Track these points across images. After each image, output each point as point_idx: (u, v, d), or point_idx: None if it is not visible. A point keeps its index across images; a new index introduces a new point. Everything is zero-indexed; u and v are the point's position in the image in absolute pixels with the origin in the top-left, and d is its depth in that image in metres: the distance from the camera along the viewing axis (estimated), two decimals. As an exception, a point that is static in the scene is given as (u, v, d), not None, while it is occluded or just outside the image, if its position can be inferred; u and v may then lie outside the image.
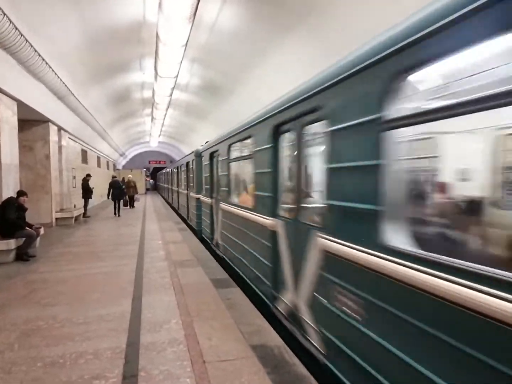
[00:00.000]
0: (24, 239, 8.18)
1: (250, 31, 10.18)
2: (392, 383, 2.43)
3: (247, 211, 5.92)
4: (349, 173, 2.95)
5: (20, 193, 8.67)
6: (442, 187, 3.34)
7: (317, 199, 4.26)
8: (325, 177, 3.32)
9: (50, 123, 13.27)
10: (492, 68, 2.36)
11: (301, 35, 9.18)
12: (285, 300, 4.49)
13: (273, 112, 4.67)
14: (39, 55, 9.13)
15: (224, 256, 7.90)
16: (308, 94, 3.63)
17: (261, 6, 8.93)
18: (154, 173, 51.00)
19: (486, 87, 2.00)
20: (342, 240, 2.99)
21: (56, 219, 13.83)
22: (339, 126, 3.04)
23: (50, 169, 13.31)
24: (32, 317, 4.73)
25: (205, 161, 10.46)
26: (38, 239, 8.95)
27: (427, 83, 2.89)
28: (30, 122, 12.61)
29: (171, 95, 17.56)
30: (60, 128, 14.62)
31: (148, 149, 45.98)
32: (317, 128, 3.70)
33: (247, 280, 5.99)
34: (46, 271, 7.18)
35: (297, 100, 3.88)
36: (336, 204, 3.12)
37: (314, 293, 3.65)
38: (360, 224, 2.77)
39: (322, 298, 3.40)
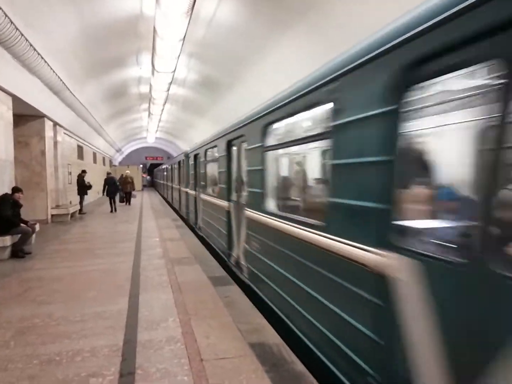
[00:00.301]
0: (19, 235, 8.12)
1: (248, 27, 10.12)
2: (272, 282, 4.75)
3: (214, 198, 8.63)
4: (252, 173, 5.54)
5: (15, 190, 8.61)
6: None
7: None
8: (247, 174, 5.98)
9: (45, 119, 13.17)
10: None
11: (299, 32, 9.12)
12: (233, 254, 7.01)
13: (226, 132, 7.19)
14: (35, 49, 9.02)
15: (202, 234, 10.80)
16: (238, 127, 6.34)
17: (259, 2, 8.87)
18: (151, 170, 50.79)
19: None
20: (252, 210, 5.49)
21: (52, 215, 13.76)
22: (251, 146, 5.50)
23: (45, 165, 13.22)
24: (28, 315, 4.69)
25: (191, 161, 12.79)
26: (34, 236, 8.89)
27: None
28: (25, 118, 12.51)
29: (168, 90, 17.46)
30: (55, 124, 14.52)
31: (145, 145, 45.77)
32: (245, 145, 5.99)
33: (213, 246, 8.91)
34: (42, 268, 7.13)
35: (236, 128, 6.48)
36: (251, 190, 5.66)
37: (245, 244, 6.05)
38: (259, 201, 5.15)
39: (247, 246, 5.89)
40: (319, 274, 3.39)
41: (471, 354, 1.96)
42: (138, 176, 36.51)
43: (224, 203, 7.45)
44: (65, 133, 16.45)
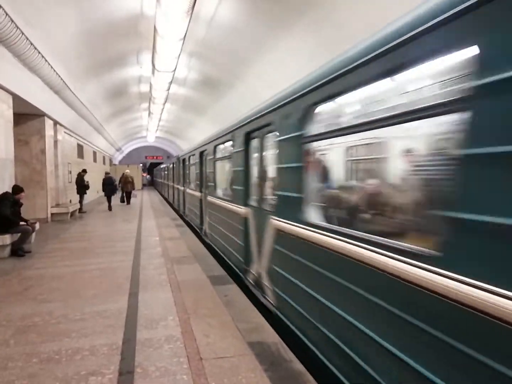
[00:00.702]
0: (19, 234, 8.13)
1: (248, 26, 10.12)
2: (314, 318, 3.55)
3: (226, 202, 7.97)
4: (284, 171, 4.37)
5: (17, 189, 8.57)
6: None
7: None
8: (275, 174, 4.87)
9: (45, 117, 13.17)
10: None
11: (299, 31, 9.13)
12: (251, 271, 6.07)
13: (244, 122, 6.06)
14: (35, 48, 9.03)
15: (209, 242, 9.77)
16: (262, 113, 5.14)
17: (259, 1, 8.87)
18: (151, 169, 50.79)
19: None
20: (284, 219, 4.46)
21: (52, 214, 13.77)
22: (283, 137, 4.38)
23: (45, 164, 13.23)
24: (28, 314, 4.70)
25: (196, 159, 12.18)
26: (34, 234, 8.90)
27: None
28: (25, 116, 12.51)
29: (168, 89, 17.45)
30: (56, 123, 14.52)
31: (145, 144, 45.78)
32: (273, 136, 4.93)
33: (224, 257, 7.94)
34: (42, 267, 7.14)
35: (258, 115, 5.29)
36: (282, 194, 4.62)
37: (270, 262, 5.15)
38: (295, 209, 3.96)
39: (273, 264, 4.86)
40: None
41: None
42: (138, 175, 36.51)
43: (240, 209, 6.18)
44: (65, 132, 16.45)
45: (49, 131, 13.67)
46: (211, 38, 11.50)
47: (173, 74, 14.85)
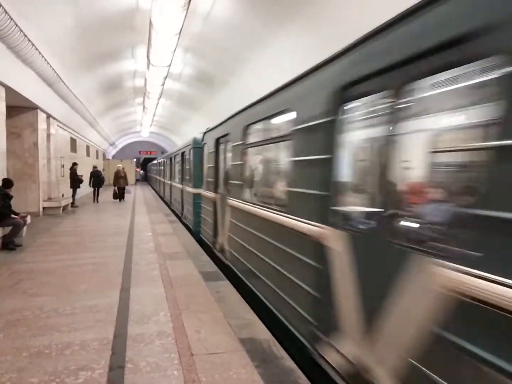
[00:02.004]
0: (10, 228, 8.05)
1: (244, 22, 10.09)
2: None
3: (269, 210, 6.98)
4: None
5: (7, 183, 8.46)
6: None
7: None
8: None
9: (38, 110, 13.04)
10: None
11: (295, 27, 9.12)
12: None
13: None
14: (29, 40, 8.93)
15: (229, 263, 6.89)
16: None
17: (256, -3, 8.85)
18: (144, 164, 50.53)
19: None
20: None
21: (44, 208, 13.66)
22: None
23: (38, 157, 13.12)
24: (18, 307, 4.66)
25: (209, 149, 10.78)
26: (25, 228, 8.82)
27: None
28: (18, 109, 12.39)
29: (163, 84, 17.36)
30: (49, 116, 14.39)
31: (139, 139, 45.52)
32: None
33: (264, 299, 5.13)
34: (33, 261, 7.08)
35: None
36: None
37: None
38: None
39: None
40: (186, 200, 8.82)
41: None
42: (131, 171, 36.30)
43: (310, 228, 3.57)
44: (58, 126, 16.31)
45: (42, 124, 13.54)
46: (207, 34, 11.45)
47: (168, 69, 14.77)
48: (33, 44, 9.23)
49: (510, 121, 1.77)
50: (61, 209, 14.42)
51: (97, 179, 19.54)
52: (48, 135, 14.58)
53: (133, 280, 5.84)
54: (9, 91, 9.63)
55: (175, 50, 12.34)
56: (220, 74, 14.85)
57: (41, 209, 13.40)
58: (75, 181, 16.97)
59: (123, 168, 21.28)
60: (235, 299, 5.10)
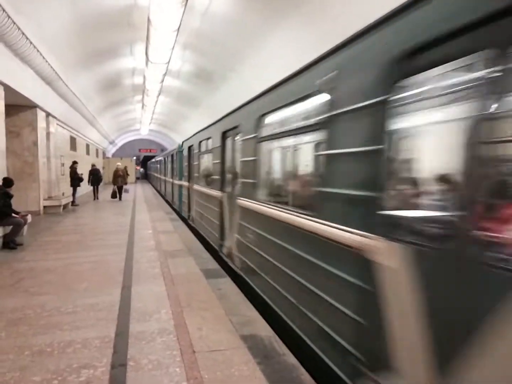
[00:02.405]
0: (11, 227, 8.05)
1: (243, 18, 10.03)
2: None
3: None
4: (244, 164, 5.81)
5: (8, 182, 8.44)
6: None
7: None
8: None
9: (38, 109, 13.00)
10: None
11: (294, 23, 9.06)
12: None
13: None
14: (27, 38, 8.89)
15: (249, 280, 5.73)
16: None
17: (255, -7, 8.79)
18: (144, 162, 50.49)
19: None
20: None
21: (44, 207, 13.65)
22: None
23: (38, 156, 13.09)
24: (20, 306, 4.67)
25: (214, 143, 10.33)
26: (26, 227, 8.82)
27: None
28: (17, 108, 12.34)
29: (162, 81, 17.30)
30: (48, 114, 14.34)
31: (139, 137, 45.44)
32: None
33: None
34: (34, 259, 7.08)
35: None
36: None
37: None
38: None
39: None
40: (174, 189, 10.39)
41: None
42: (131, 169, 36.26)
43: (351, 237, 2.88)
44: (58, 124, 16.27)
45: (41, 123, 13.51)
46: (205, 30, 11.39)
47: (167, 66, 14.70)
48: (31, 42, 9.19)
49: None
50: (62, 207, 14.42)
51: (95, 177, 20.09)
52: (48, 134, 14.54)
53: (134, 278, 5.84)
54: (8, 89, 9.59)
55: (173, 47, 12.29)
56: (219, 70, 14.78)
57: (41, 208, 13.39)
58: (75, 180, 17.03)
59: (125, 168, 21.32)
60: (237, 296, 5.10)
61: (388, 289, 2.50)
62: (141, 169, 52.36)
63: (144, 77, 16.99)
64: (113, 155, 43.70)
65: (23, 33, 8.60)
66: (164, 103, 24.42)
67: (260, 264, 5.03)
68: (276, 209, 4.48)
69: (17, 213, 8.46)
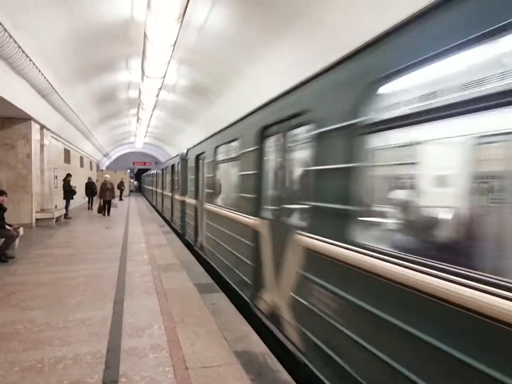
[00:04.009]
0: (3, 240, 7.96)
1: (239, 33, 10.17)
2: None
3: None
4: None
5: (1, 194, 8.40)
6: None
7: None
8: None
9: (32, 121, 13.00)
10: None
11: (290, 38, 9.20)
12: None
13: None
14: (23, 51, 8.93)
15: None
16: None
17: (250, 9, 8.93)
18: (138, 175, 50.40)
19: None
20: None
21: (37, 219, 13.54)
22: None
23: (31, 168, 13.05)
24: (10, 321, 4.60)
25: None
26: (17, 240, 8.72)
27: None
28: (11, 120, 12.36)
29: (157, 95, 17.41)
30: (42, 127, 14.34)
31: (133, 150, 45.44)
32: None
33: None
34: (25, 273, 7.00)
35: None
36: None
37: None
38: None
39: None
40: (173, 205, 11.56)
41: None
42: (125, 181, 36.13)
43: (192, 201, 4.83)
44: (52, 137, 16.25)
45: (35, 135, 13.50)
46: (201, 45, 11.53)
47: (163, 81, 14.83)
48: (27, 55, 9.23)
49: None
50: (54, 220, 14.31)
51: (90, 189, 20.98)
52: (42, 146, 14.51)
53: (127, 293, 5.79)
54: (2, 102, 9.61)
55: (169, 61, 12.41)
56: (214, 85, 14.92)
57: (34, 221, 13.28)
58: (68, 192, 16.93)
59: (121, 180, 21.34)
60: (230, 311, 5.07)
61: (261, 244, 4.76)
62: (135, 182, 52.23)
63: (140, 91, 17.09)
64: (108, 167, 43.60)
65: (19, 47, 8.64)
66: (159, 117, 24.52)
67: (213, 246, 7.61)
68: (221, 209, 6.87)
69: (9, 225, 8.38)
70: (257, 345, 4.02)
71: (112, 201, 18.63)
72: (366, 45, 2.74)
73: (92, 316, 4.79)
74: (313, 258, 3.38)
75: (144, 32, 9.97)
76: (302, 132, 3.93)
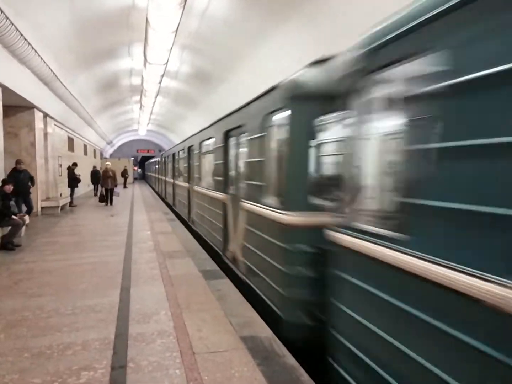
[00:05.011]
0: (9, 228, 8.03)
1: (242, 19, 10.04)
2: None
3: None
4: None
5: (4, 182, 8.47)
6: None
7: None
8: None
9: (35, 110, 12.99)
10: None
11: (293, 24, 9.08)
12: None
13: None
14: (25, 39, 8.86)
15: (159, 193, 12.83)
16: None
17: (253, -6, 8.81)
18: (142, 163, 50.42)
19: None
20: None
21: (42, 208, 13.63)
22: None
23: (35, 157, 13.08)
24: (18, 308, 4.66)
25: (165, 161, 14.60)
26: (23, 228, 8.80)
27: None
28: (15, 108, 12.31)
29: (160, 82, 17.32)
30: (46, 115, 14.33)
31: (136, 137, 45.44)
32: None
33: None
34: (32, 260, 7.07)
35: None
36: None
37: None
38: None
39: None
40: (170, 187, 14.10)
41: None
42: (129, 169, 36.17)
43: (185, 184, 5.35)
44: (55, 125, 16.25)
45: (39, 123, 13.49)
46: (204, 31, 11.40)
47: (165, 67, 14.73)
48: (29, 43, 9.16)
49: None
50: (59, 208, 14.39)
51: (95, 177, 21.82)
52: (45, 135, 14.53)
53: (133, 279, 5.84)
54: (6, 90, 9.58)
55: (172, 48, 12.31)
56: (217, 71, 14.80)
57: (39, 209, 13.35)
58: (73, 181, 17.00)
59: (125, 168, 21.34)
60: (236, 297, 5.10)
61: (227, 212, 6.77)
62: (139, 170, 52.29)
63: (142, 77, 17.00)
64: (111, 155, 43.64)
65: (21, 35, 8.58)
66: (162, 104, 24.43)
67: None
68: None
69: (14, 214, 8.44)
70: (263, 330, 4.05)
71: (115, 189, 17.87)
72: (265, 92, 4.76)
73: (99, 302, 4.84)
74: (250, 215, 5.38)
75: (146, 18, 9.86)
76: (244, 137, 5.85)
